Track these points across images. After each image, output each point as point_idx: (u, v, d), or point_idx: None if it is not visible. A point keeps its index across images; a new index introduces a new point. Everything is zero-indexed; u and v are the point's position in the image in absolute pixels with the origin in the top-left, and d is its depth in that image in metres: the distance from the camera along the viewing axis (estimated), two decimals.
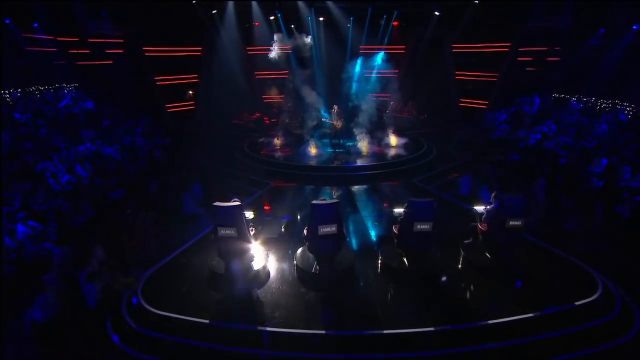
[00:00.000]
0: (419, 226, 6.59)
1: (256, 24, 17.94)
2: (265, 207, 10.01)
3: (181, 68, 17.51)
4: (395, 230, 7.18)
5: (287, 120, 17.23)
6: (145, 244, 8.02)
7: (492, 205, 7.07)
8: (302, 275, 6.99)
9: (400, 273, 6.94)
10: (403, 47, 19.67)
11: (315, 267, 6.95)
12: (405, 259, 7.07)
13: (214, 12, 15.68)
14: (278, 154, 14.17)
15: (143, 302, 6.27)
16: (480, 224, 7.23)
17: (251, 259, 7.17)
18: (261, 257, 7.31)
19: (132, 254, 7.62)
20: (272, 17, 16.88)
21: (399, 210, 7.16)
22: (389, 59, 18.52)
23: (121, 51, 15.38)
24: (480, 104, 17.56)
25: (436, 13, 16.50)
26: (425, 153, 13.91)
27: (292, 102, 17.69)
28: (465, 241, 7.62)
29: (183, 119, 17.56)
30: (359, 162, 13.01)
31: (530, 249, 7.79)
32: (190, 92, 18.91)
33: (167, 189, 10.84)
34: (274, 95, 19.56)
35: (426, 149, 14.15)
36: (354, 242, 8.37)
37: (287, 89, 18.59)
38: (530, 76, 16.11)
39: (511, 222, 6.56)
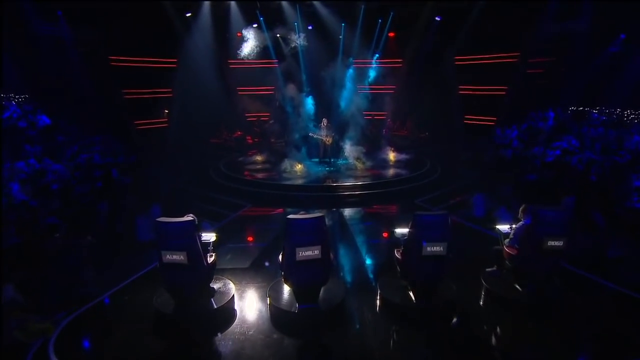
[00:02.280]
0: (429, 248, 5.29)
1: (238, 34, 17.11)
2: (249, 239, 8.81)
3: (153, 81, 16.50)
4: (397, 256, 5.86)
5: (272, 140, 16.54)
6: (78, 277, 6.60)
7: (521, 223, 5.82)
8: (277, 315, 5.60)
9: (405, 312, 5.59)
10: (400, 60, 18.99)
11: (294, 305, 5.56)
12: (411, 293, 5.73)
13: (188, 14, 14.74)
14: (260, 174, 13.09)
15: (53, 358, 4.80)
16: (507, 247, 5.95)
17: (210, 294, 5.80)
18: (224, 292, 5.94)
19: (56, 291, 6.18)
20: (255, 25, 15.97)
21: (401, 230, 5.88)
22: (385, 74, 17.88)
23: (82, 59, 14.27)
24: (488, 120, 16.71)
25: (437, 18, 15.76)
26: (428, 171, 12.94)
27: (278, 120, 16.81)
28: (488, 269, 6.33)
29: (154, 137, 16.49)
30: (353, 182, 11.97)
31: (569, 279, 6.46)
32: (167, 110, 17.94)
33: (122, 212, 9.54)
34: (258, 113, 18.59)
35: (429, 168, 13.19)
36: (346, 272, 7.00)
37: (273, 106, 17.85)
38: (543, 89, 15.30)
39: (550, 243, 5.27)
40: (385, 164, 13.79)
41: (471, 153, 14.46)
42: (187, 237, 5.18)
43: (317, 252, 5.25)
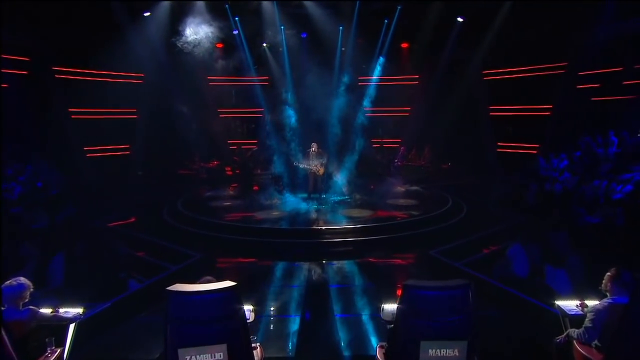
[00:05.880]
0: (432, 352, 3.08)
1: (218, 45, 15.86)
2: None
3: (113, 98, 15.05)
4: (380, 358, 3.65)
5: (258, 171, 15.79)
6: None
7: (607, 301, 3.59)
8: None
9: None
10: (416, 76, 17.88)
11: None
12: None
13: (146, 14, 13.24)
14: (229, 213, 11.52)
15: None
16: (580, 345, 3.68)
17: None
18: None
19: None
20: (235, 32, 14.72)
21: (390, 307, 3.78)
22: (398, 93, 17.40)
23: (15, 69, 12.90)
24: (528, 147, 15.23)
25: (459, 19, 14.30)
26: (450, 211, 11.19)
27: (265, 148, 15.47)
28: None
29: (112, 166, 15.22)
30: (349, 224, 10.26)
31: None
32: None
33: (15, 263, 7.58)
34: (241, 140, 17.72)
35: (451, 206, 11.48)
36: None
37: (261, 131, 16.67)
38: (599, 107, 13.52)
39: None
40: (394, 201, 12.53)
41: (508, 188, 13.02)
42: None
43: (220, 356, 3.08)
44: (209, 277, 3.60)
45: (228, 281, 3.37)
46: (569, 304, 4.10)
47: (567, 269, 6.70)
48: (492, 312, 5.96)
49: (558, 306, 4.13)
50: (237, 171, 16.01)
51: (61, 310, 4.14)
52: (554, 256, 7.53)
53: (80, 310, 4.22)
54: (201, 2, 12.88)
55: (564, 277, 6.46)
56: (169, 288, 3.25)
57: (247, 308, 3.99)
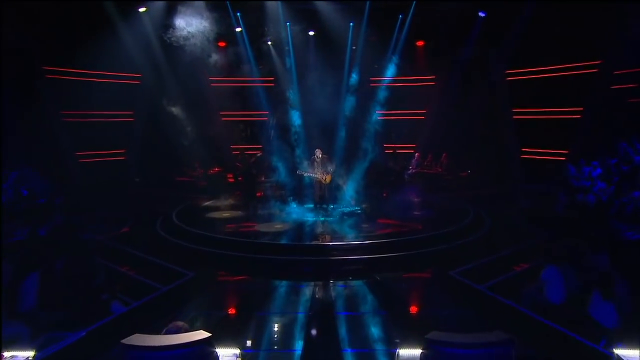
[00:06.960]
0: None
1: (220, 44, 15.55)
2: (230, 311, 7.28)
3: (108, 100, 14.73)
4: None
5: (262, 178, 15.17)
6: None
7: None
8: None
9: None
10: (433, 77, 17.53)
11: None
12: None
13: (141, 9, 12.91)
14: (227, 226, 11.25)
15: None
16: None
17: None
18: None
19: None
20: (238, 29, 14.49)
21: (407, 354, 3.31)
22: (413, 95, 17.11)
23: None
24: (556, 154, 14.72)
25: (480, 14, 13.99)
26: (471, 226, 10.66)
27: (270, 153, 15.24)
28: None
29: (106, 173, 14.96)
30: (355, 238, 9.95)
31: None
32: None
33: None
34: (245, 145, 17.44)
35: (473, 220, 10.97)
36: None
37: (266, 135, 16.57)
38: (637, 110, 12.89)
39: None
40: (409, 213, 12.21)
41: (534, 199, 12.78)
42: None
43: None
44: (178, 323, 2.98)
45: (201, 331, 2.77)
46: (630, 355, 3.43)
47: (613, 298, 6.01)
48: (530, 350, 5.31)
49: (618, 356, 3.47)
50: (240, 178, 15.57)
51: (7, 354, 3.56)
52: (595, 280, 6.89)
53: (30, 354, 3.63)
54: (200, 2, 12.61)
55: (609, 308, 5.76)
56: (125, 341, 2.65)
57: (234, 352, 3.44)
